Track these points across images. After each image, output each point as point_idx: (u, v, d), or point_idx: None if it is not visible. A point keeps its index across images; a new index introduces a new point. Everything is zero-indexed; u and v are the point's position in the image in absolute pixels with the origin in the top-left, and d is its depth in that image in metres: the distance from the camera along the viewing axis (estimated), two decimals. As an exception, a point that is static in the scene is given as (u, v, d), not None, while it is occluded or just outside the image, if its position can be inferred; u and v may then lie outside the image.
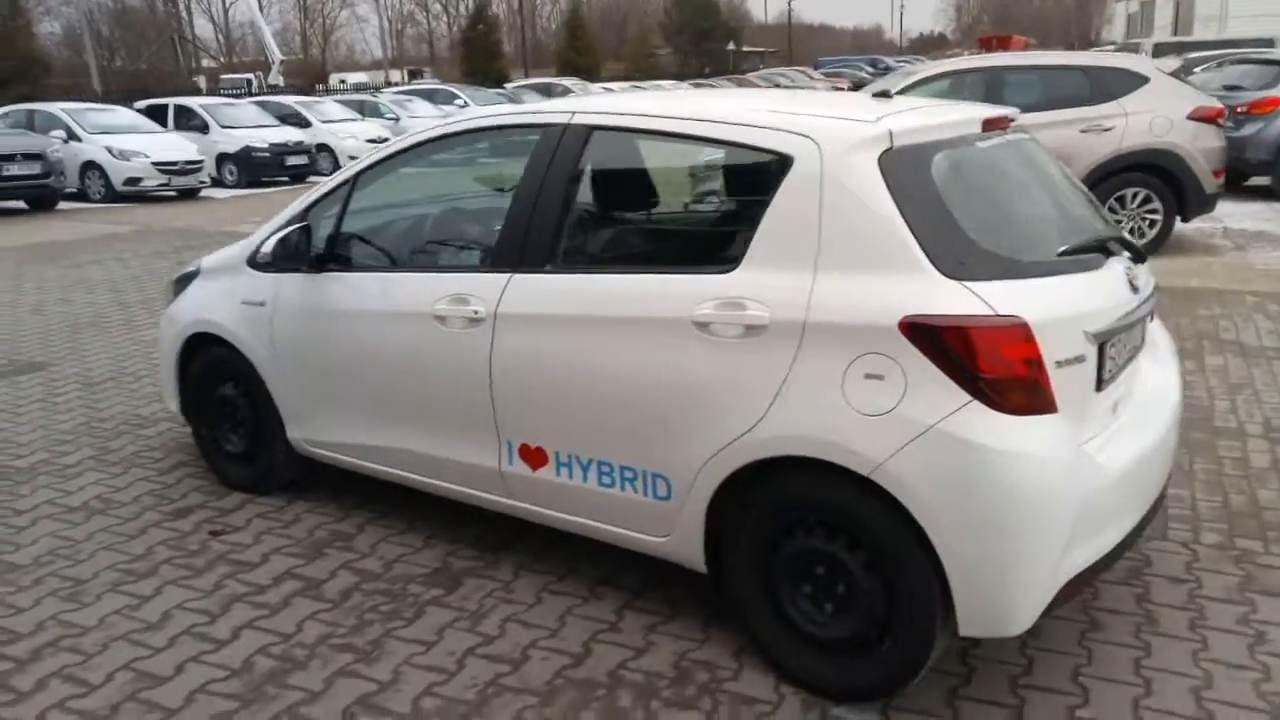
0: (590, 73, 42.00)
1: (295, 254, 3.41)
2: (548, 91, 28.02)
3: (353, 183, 3.48)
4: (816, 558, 2.56)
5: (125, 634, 3.01)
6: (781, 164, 2.58)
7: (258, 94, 30.73)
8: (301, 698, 2.68)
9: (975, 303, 2.33)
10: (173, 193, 16.17)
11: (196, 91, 39.76)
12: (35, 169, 14.01)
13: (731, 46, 61.05)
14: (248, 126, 18.23)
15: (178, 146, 16.27)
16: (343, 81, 51.82)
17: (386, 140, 19.86)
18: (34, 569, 3.43)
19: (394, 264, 3.46)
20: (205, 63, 68.73)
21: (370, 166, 3.46)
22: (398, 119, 21.75)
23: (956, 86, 8.48)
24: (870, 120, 2.54)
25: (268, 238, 3.53)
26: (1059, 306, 2.44)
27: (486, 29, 38.34)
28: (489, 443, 3.12)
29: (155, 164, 15.56)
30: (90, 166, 15.59)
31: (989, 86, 8.22)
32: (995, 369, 2.30)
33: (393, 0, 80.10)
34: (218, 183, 17.60)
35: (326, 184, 3.55)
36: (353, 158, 19.14)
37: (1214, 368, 5.22)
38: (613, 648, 2.88)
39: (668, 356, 2.67)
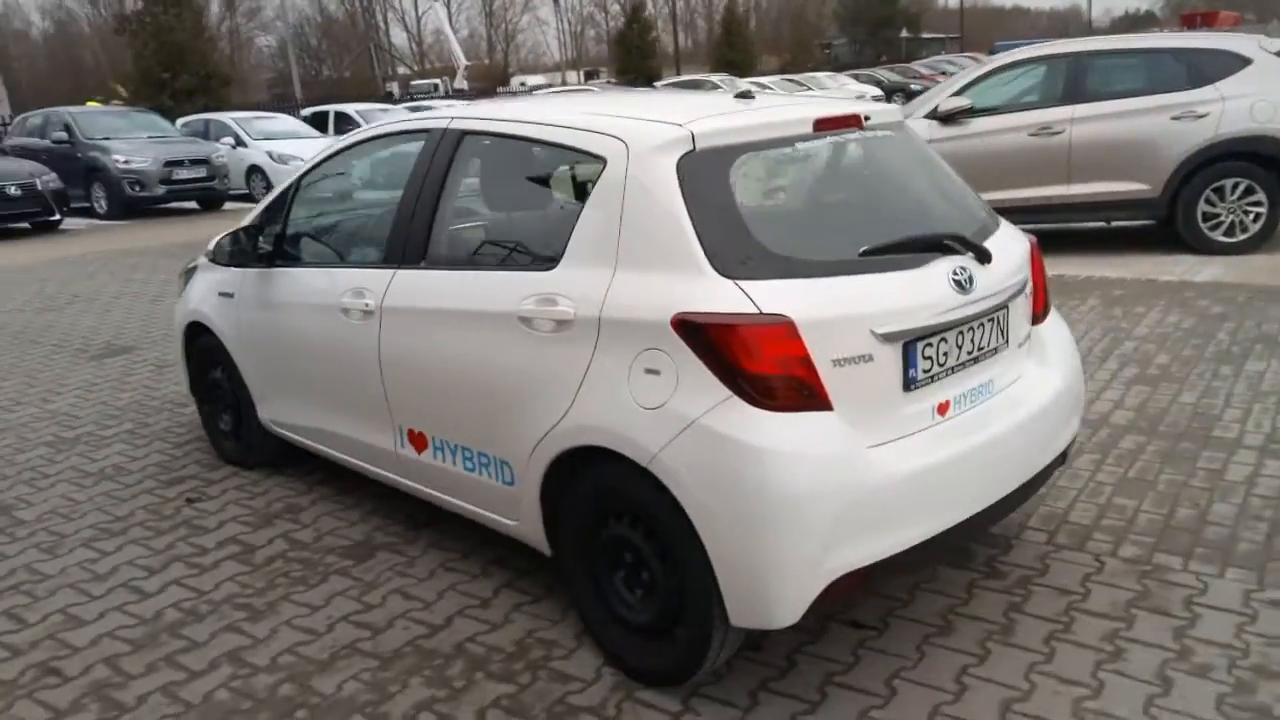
0: (744, 68, 41.92)
1: (237, 252, 3.77)
2: (696, 88, 28.18)
3: (296, 186, 3.80)
4: (624, 545, 2.65)
5: (73, 582, 3.43)
6: (596, 165, 2.68)
7: (443, 97, 32.29)
8: (183, 646, 2.99)
9: (742, 301, 2.36)
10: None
11: (389, 96, 42.34)
12: (202, 172, 15.42)
13: (904, 34, 59.33)
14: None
15: (330, 149, 17.47)
16: (523, 84, 53.85)
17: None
18: (33, 524, 3.93)
19: (319, 260, 3.75)
20: (400, 70, 72.95)
21: (307, 173, 3.78)
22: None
23: (1034, 75, 8.09)
24: (679, 123, 2.60)
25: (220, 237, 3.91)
26: (838, 306, 2.43)
27: (641, 28, 38.97)
28: (386, 427, 3.36)
29: (309, 166, 16.77)
30: (254, 170, 17.00)
31: (1071, 74, 7.79)
32: (756, 365, 2.33)
33: (573, 2, 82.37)
34: (370, 182, 18.79)
35: (278, 188, 3.89)
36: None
37: (1251, 374, 4.84)
38: (473, 622, 3.06)
39: (501, 349, 2.82)
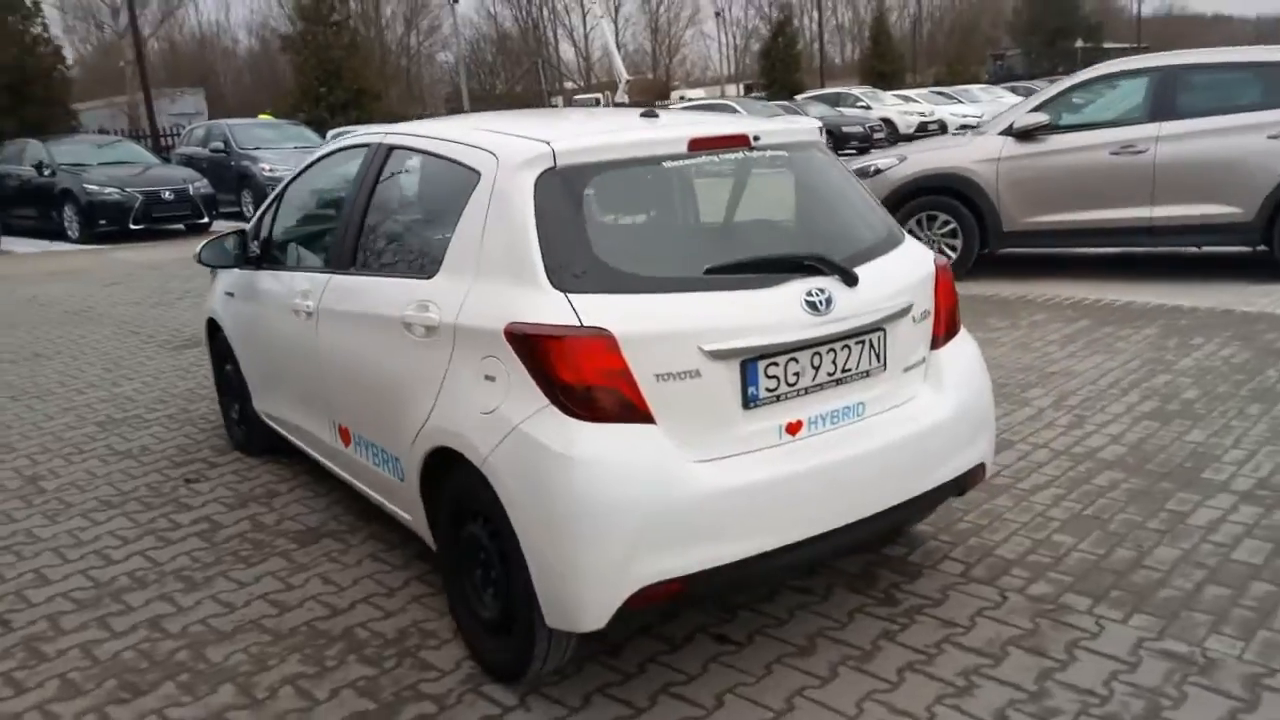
0: (893, 80, 40.99)
1: (220, 255, 4.10)
2: (835, 102, 27.87)
3: (280, 195, 4.11)
4: (478, 544, 2.77)
5: (58, 546, 3.82)
6: (473, 178, 2.81)
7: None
8: (118, 610, 3.30)
9: (567, 314, 2.44)
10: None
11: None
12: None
13: (1080, 44, 56.56)
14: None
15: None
16: (682, 98, 54.41)
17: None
18: (50, 494, 4.38)
19: (285, 264, 4.03)
20: (568, 85, 75.09)
21: (289, 183, 4.08)
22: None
23: (1120, 90, 7.68)
24: (546, 140, 2.70)
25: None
26: (664, 322, 2.47)
27: (787, 41, 38.76)
28: (325, 421, 3.59)
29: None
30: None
31: (1159, 89, 7.36)
32: (572, 376, 2.41)
33: (738, 15, 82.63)
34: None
35: (271, 196, 4.21)
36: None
37: (1279, 416, 4.50)
38: (371, 609, 3.23)
39: (389, 351, 3.00)
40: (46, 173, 15.18)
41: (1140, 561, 3.25)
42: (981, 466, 3.08)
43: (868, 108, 27.67)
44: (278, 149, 16.67)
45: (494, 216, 2.68)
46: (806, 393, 2.66)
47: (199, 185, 15.16)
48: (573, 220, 2.60)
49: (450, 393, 2.71)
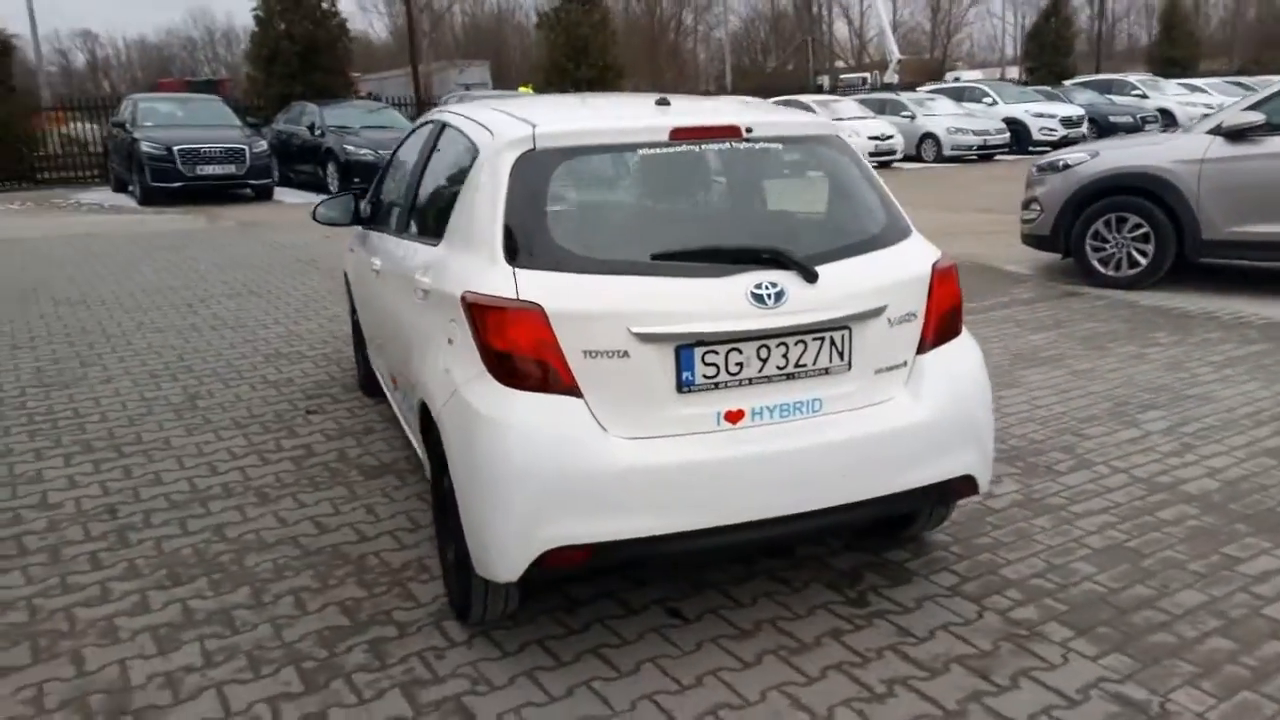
0: (1187, 67, 36.98)
1: (335, 214, 4.55)
2: (1107, 89, 25.73)
3: (388, 163, 4.52)
4: (446, 490, 3.01)
5: (180, 455, 4.43)
6: (474, 155, 3.03)
7: (871, 90, 32.36)
8: (199, 514, 3.82)
9: (509, 287, 2.61)
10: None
11: (818, 90, 43.51)
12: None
13: None
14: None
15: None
16: (957, 79, 52.24)
17: (890, 137, 20.34)
18: (201, 411, 5.07)
19: (377, 227, 4.41)
20: (838, 64, 73.75)
21: (394, 152, 4.47)
22: (913, 117, 22.01)
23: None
24: (533, 123, 2.86)
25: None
26: (595, 302, 2.58)
27: (1060, 24, 35.86)
28: (383, 369, 3.97)
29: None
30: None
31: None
32: (503, 345, 2.58)
33: (1030, -7, 77.71)
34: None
35: (385, 164, 4.64)
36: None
37: None
38: (391, 541, 3.56)
39: (407, 309, 3.31)
40: (317, 133, 16.93)
41: (1154, 601, 3.00)
42: (969, 480, 2.96)
43: (1144, 96, 25.34)
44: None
45: (480, 191, 2.89)
46: (751, 383, 2.68)
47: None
48: (538, 200, 2.76)
49: (428, 352, 2.96)
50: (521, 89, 26.59)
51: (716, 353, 2.63)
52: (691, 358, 2.62)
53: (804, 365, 2.73)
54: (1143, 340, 5.98)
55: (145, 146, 15.22)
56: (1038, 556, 3.31)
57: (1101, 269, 7.59)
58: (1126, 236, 7.43)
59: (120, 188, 17.36)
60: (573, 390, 2.57)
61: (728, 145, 2.98)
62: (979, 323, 6.52)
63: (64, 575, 3.35)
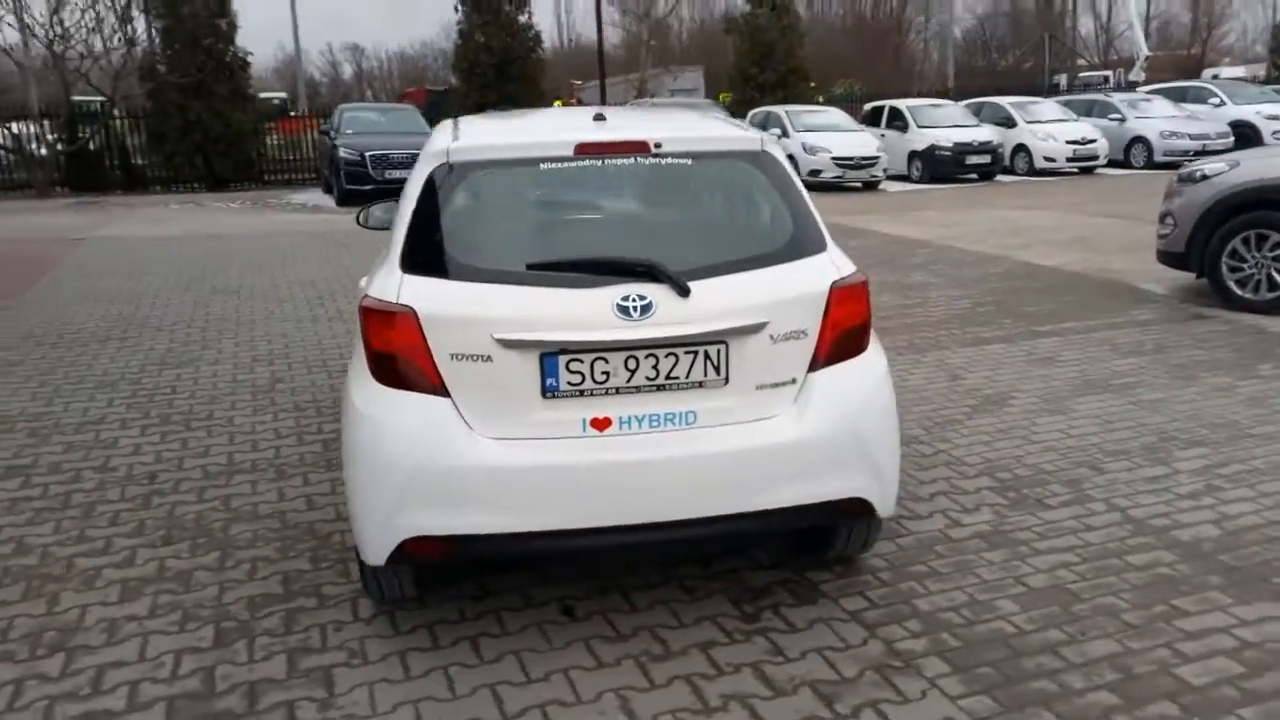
0: None
1: (381, 221, 4.89)
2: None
3: None
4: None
5: (234, 433, 4.93)
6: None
7: (1114, 89, 30.46)
8: (218, 485, 4.26)
9: (393, 292, 2.81)
10: (857, 184, 18.18)
11: (1054, 89, 41.45)
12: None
13: None
14: (943, 126, 19.28)
15: (859, 144, 18.20)
16: (1215, 76, 48.16)
17: (1092, 141, 19.03)
18: (275, 394, 5.59)
19: None
20: (1079, 60, 69.42)
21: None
22: (1123, 119, 20.52)
23: None
24: (458, 138, 3.05)
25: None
26: (461, 308, 2.72)
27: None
28: None
29: (834, 159, 17.75)
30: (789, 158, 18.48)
31: None
32: (379, 345, 2.79)
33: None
34: (904, 178, 19.14)
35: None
36: (1048, 159, 19.13)
37: None
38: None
39: None
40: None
41: (1058, 647, 2.82)
42: (862, 503, 2.89)
43: None
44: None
45: (403, 202, 3.10)
46: (619, 393, 2.75)
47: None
48: (440, 212, 2.94)
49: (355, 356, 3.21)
50: (721, 96, 26.84)
51: (581, 361, 2.72)
52: (556, 365, 2.72)
53: (676, 378, 2.77)
54: (1242, 371, 5.44)
55: (342, 152, 16.60)
56: (964, 590, 3.17)
57: (1238, 291, 6.92)
58: (1267, 256, 6.74)
59: (327, 190, 19.03)
60: (440, 390, 2.73)
61: (633, 160, 3.05)
62: (1071, 344, 6.14)
63: (84, 529, 3.85)
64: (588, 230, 3.14)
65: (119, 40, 19.97)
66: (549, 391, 2.73)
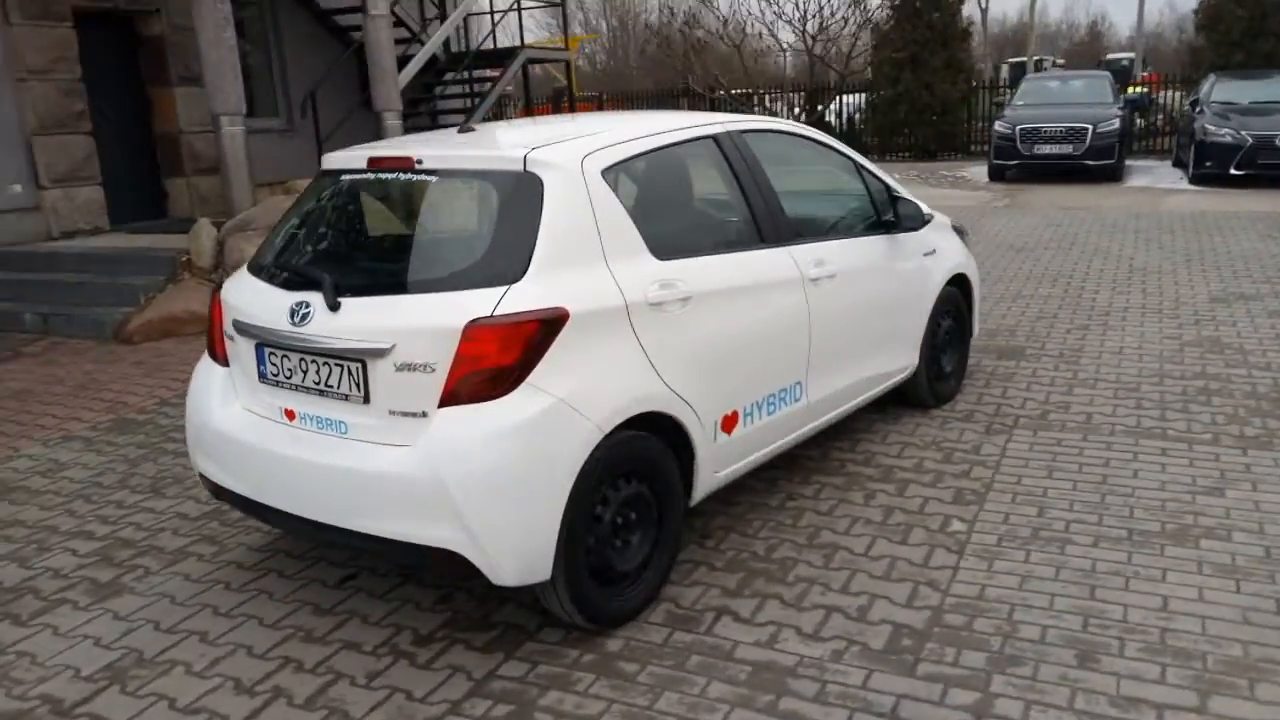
0: None
1: None
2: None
3: None
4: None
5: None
6: None
7: None
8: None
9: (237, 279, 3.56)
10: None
11: None
12: None
13: None
14: None
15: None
16: None
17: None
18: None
19: None
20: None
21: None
22: None
23: None
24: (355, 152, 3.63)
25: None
26: (233, 296, 3.39)
27: None
28: None
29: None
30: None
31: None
32: (210, 322, 3.58)
33: None
34: None
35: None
36: None
37: None
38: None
39: None
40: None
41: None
42: (456, 557, 2.82)
43: None
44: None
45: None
46: (298, 389, 3.15)
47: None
48: (285, 215, 3.64)
49: None
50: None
51: (275, 355, 3.20)
52: (263, 354, 3.25)
53: (330, 386, 3.06)
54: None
55: (998, 125, 15.87)
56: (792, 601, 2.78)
57: None
58: None
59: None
60: (223, 361, 3.47)
61: (400, 175, 3.34)
62: None
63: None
64: (313, 236, 3.54)
65: (855, 27, 21.37)
66: (261, 376, 3.26)
